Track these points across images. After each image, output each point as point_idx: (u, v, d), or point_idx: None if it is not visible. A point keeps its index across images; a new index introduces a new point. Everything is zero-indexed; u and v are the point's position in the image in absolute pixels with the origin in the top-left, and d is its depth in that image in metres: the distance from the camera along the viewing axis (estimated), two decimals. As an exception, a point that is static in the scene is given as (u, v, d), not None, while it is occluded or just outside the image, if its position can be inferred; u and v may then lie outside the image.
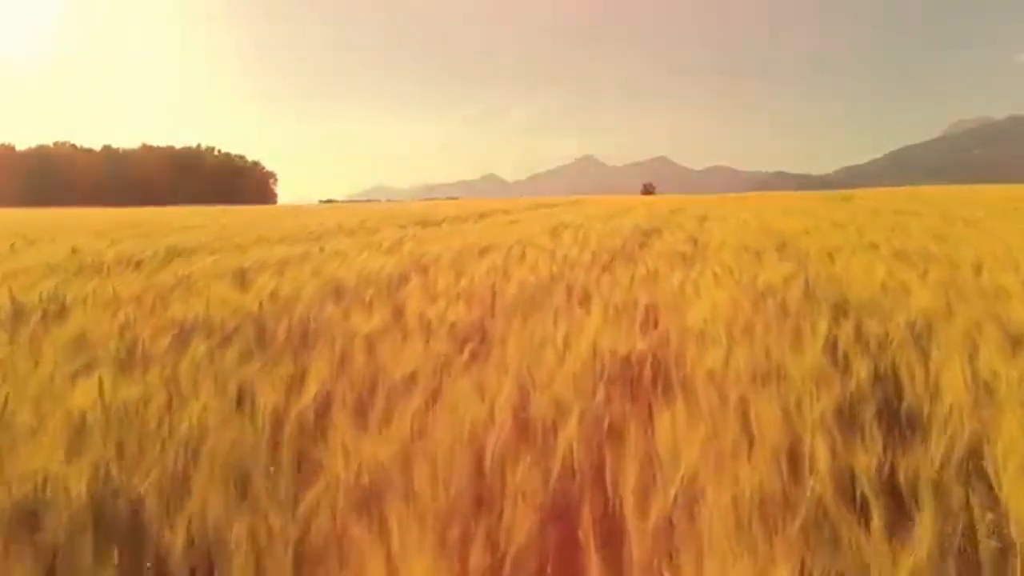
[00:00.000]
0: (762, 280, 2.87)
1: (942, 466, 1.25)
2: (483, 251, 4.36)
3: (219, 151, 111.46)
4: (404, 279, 3.15)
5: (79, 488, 0.97)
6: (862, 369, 1.67)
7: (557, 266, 3.68)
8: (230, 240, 5.24)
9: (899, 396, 1.69)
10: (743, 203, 13.79)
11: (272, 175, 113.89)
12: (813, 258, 3.87)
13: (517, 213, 10.68)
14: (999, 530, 0.99)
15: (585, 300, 2.90)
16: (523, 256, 4.14)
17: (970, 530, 1.04)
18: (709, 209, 10.86)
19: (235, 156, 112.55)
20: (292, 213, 14.05)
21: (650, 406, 1.49)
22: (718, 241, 4.97)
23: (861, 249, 4.02)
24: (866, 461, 1.16)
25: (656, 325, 2.53)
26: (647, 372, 1.83)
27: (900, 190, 26.17)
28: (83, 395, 1.20)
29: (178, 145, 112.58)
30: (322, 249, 4.25)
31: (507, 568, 0.89)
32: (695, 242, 5.15)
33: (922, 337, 1.95)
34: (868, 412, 1.58)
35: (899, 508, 1.13)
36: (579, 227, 6.51)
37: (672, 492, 1.06)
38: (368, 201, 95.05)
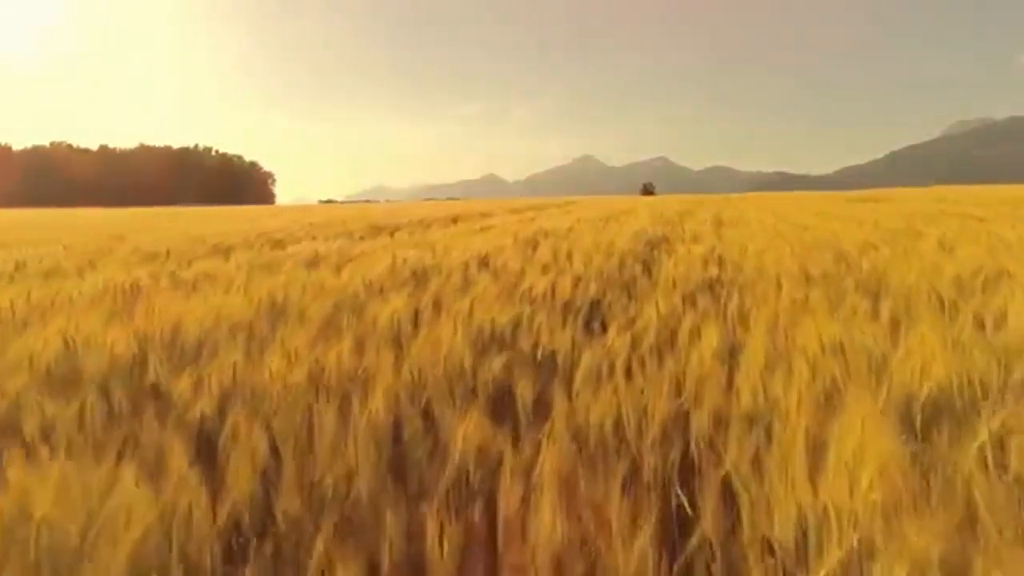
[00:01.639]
0: (906, 383, 1.36)
1: None
2: (410, 280, 2.87)
3: (216, 151, 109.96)
4: (211, 352, 1.67)
5: None
6: None
7: (508, 312, 2.17)
8: (76, 257, 3.76)
9: None
10: (755, 203, 12.28)
11: (270, 175, 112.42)
12: (923, 297, 2.36)
13: (498, 216, 9.20)
14: None
15: (539, 418, 1.42)
16: (464, 288, 2.65)
17: None
18: (720, 210, 9.37)
19: (232, 156, 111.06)
20: (251, 215, 12.55)
21: None
22: (755, 259, 3.48)
23: (994, 280, 2.51)
24: None
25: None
26: None
27: (917, 190, 24.59)
28: None
29: (176, 145, 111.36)
30: (173, 274, 2.76)
31: None
32: (721, 261, 3.66)
33: None
34: None
35: None
36: (564, 236, 5.03)
37: None
38: (366, 202, 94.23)
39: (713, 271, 3.26)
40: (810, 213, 7.20)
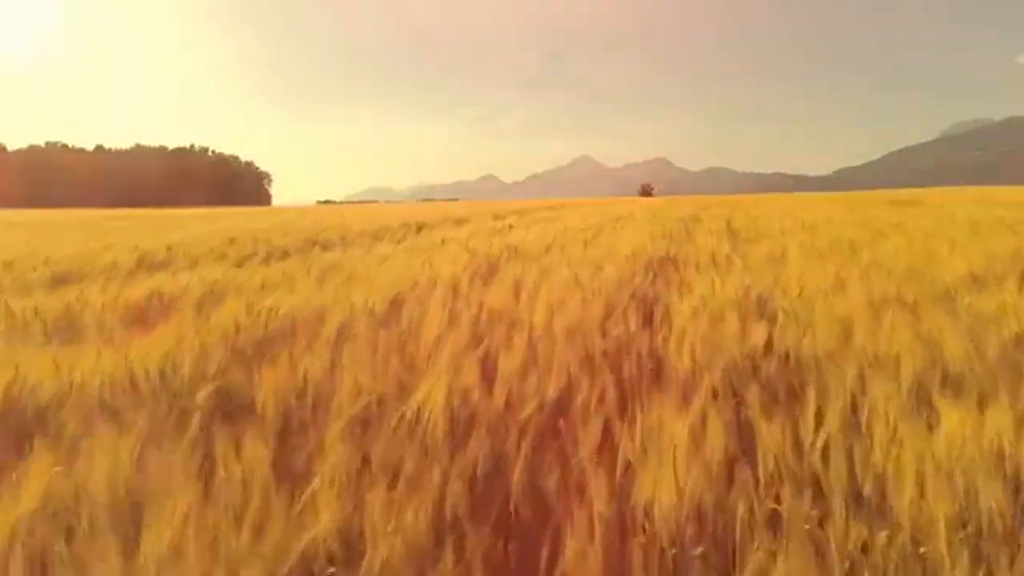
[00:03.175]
0: None
1: None
2: (215, 375, 1.56)
3: (213, 151, 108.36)
4: None
5: None
6: None
7: (335, 516, 0.79)
8: None
9: None
10: (767, 207, 10.95)
11: (266, 175, 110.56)
12: None
13: (473, 223, 7.89)
14: None
15: None
16: (279, 422, 1.32)
17: None
18: (730, 216, 8.07)
19: (229, 156, 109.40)
20: (194, 220, 11.10)
21: None
22: (818, 305, 2.18)
23: None
24: None
25: None
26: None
27: (937, 191, 23.18)
28: None
29: (171, 145, 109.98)
30: None
31: None
32: (762, 306, 2.37)
33: None
34: None
35: None
36: (538, 257, 3.74)
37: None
38: (363, 202, 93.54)
39: (758, 332, 1.96)
40: (844, 222, 5.90)
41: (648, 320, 2.42)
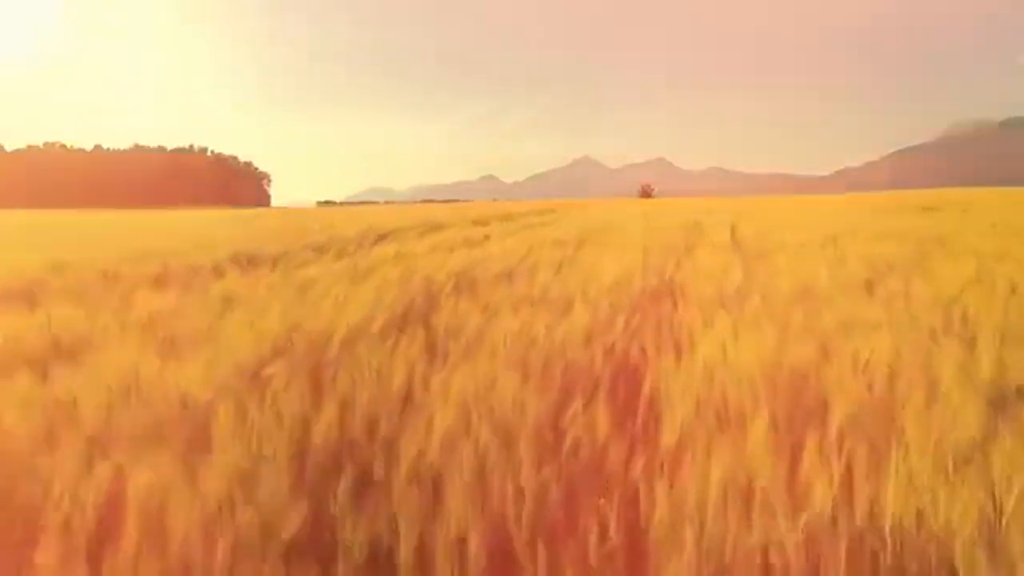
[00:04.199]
0: None
1: None
2: None
3: (212, 152, 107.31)
4: None
5: None
6: None
7: None
8: None
9: None
10: (774, 212, 10.03)
11: (265, 176, 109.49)
12: None
13: (449, 231, 6.99)
14: None
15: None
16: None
17: None
18: (735, 223, 7.18)
19: (228, 157, 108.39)
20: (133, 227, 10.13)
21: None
22: (896, 389, 1.29)
23: None
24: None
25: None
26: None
27: (955, 191, 22.24)
28: None
29: (170, 146, 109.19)
30: None
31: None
32: (804, 395, 1.49)
33: None
34: None
35: None
36: (495, 284, 2.87)
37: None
38: (364, 203, 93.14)
39: (811, 476, 1.09)
40: (870, 234, 5.03)
41: (626, 412, 1.56)
